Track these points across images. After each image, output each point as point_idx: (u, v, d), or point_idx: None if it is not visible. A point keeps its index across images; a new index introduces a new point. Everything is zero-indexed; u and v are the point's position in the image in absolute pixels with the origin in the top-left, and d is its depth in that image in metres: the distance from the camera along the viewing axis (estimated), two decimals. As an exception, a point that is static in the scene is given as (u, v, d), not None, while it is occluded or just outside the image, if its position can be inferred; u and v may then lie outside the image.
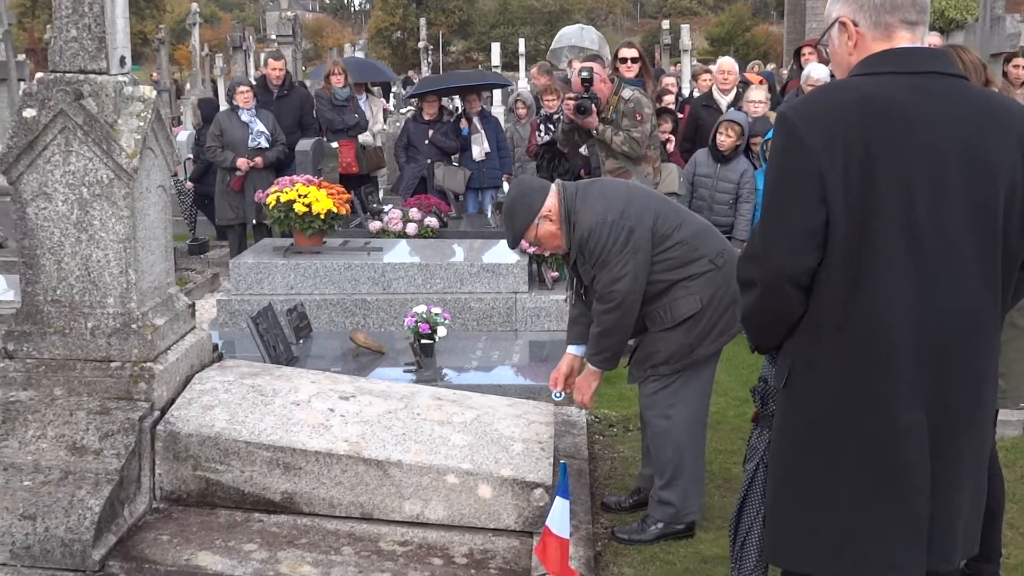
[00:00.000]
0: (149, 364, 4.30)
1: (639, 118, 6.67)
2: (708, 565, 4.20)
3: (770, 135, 7.81)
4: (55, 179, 4.22)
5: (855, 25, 2.60)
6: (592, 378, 4.45)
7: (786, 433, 2.67)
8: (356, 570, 3.91)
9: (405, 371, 6.26)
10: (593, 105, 6.59)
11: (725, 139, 8.03)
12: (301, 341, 6.75)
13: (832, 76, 9.42)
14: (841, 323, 2.51)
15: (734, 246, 7.84)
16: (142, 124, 4.27)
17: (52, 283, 4.29)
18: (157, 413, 4.30)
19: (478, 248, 8.21)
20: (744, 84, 10.51)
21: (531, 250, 7.52)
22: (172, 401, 4.42)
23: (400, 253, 7.95)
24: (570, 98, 6.70)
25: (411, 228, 8.92)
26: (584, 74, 6.61)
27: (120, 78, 4.32)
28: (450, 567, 3.99)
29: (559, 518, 3.54)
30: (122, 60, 4.36)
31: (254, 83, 10.46)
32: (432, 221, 9.09)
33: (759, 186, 7.98)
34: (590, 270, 4.29)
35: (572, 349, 4.62)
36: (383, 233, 8.90)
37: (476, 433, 4.45)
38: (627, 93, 6.74)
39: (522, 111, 11.49)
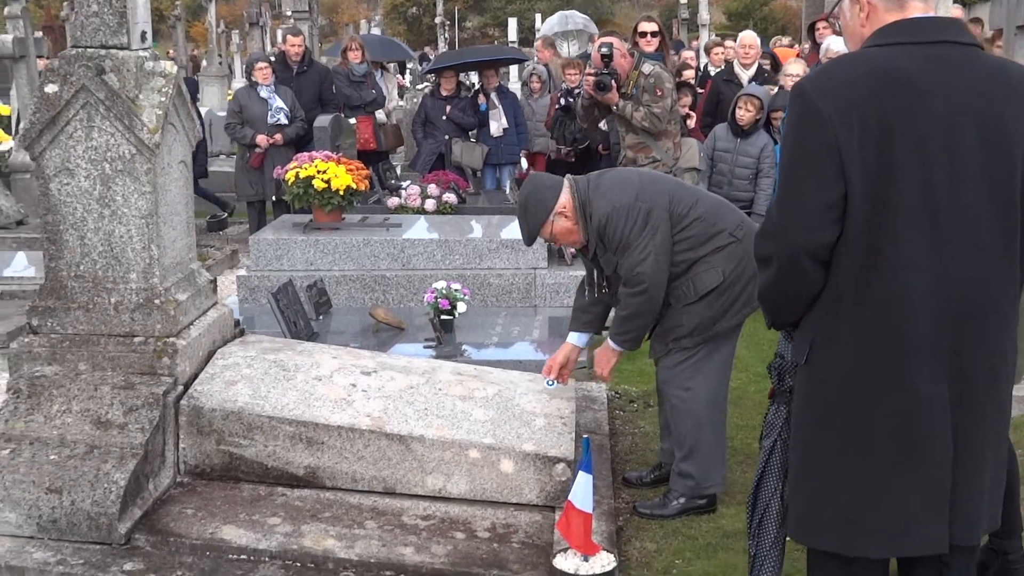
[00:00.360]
0: (172, 339, 4.32)
1: (659, 93, 6.63)
2: (730, 540, 4.20)
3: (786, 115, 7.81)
4: (77, 154, 4.23)
5: None
6: (612, 354, 4.45)
7: (807, 408, 2.67)
8: (380, 543, 3.93)
9: (425, 347, 6.26)
10: (613, 81, 6.56)
11: (745, 113, 7.98)
12: (321, 317, 6.76)
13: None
14: (860, 296, 2.50)
15: (754, 221, 7.86)
16: (163, 99, 4.27)
17: (75, 259, 4.31)
18: (180, 388, 4.32)
19: (497, 224, 8.19)
20: (771, 57, 10.42)
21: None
22: (195, 376, 4.44)
23: (419, 229, 7.95)
24: (590, 74, 6.67)
25: (429, 204, 8.91)
26: (604, 50, 6.58)
27: (141, 53, 4.32)
28: (473, 541, 4.00)
29: (582, 493, 3.55)
30: (143, 35, 4.36)
31: (272, 59, 10.43)
32: (450, 197, 9.07)
33: (778, 160, 7.95)
34: (612, 258, 4.27)
35: (573, 338, 4.61)
36: (401, 209, 8.89)
37: (498, 408, 4.45)
38: (647, 68, 6.70)
39: (536, 85, 11.45)
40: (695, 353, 4.35)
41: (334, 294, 7.19)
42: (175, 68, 4.40)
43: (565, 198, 4.29)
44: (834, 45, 8.06)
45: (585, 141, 10.17)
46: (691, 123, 8.07)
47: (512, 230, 7.84)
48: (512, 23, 22.58)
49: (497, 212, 8.97)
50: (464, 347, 6.35)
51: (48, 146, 4.23)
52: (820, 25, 9.06)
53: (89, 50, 4.23)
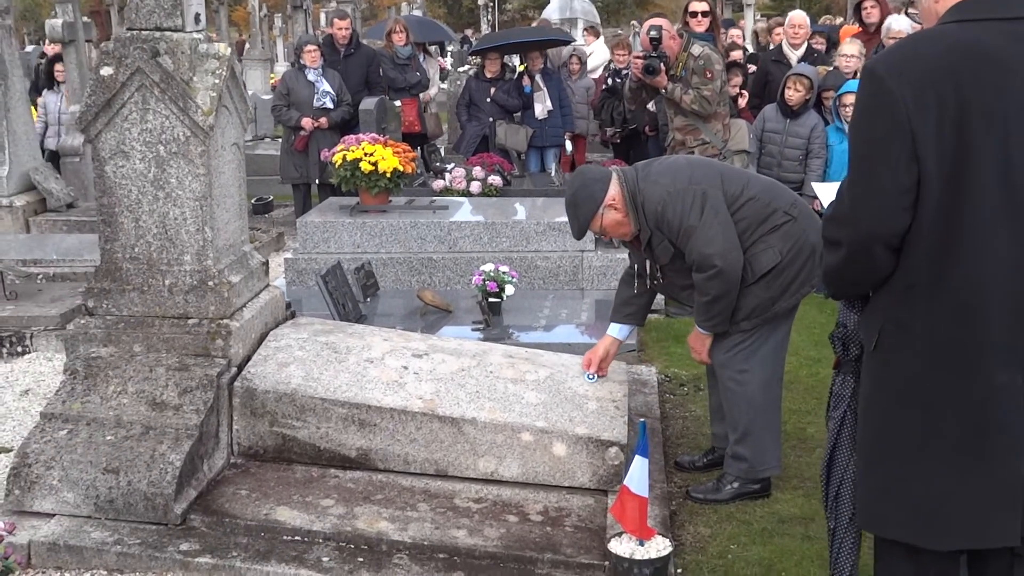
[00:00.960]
0: (226, 321, 4.33)
1: (709, 75, 6.56)
2: (785, 525, 4.16)
3: (843, 90, 7.69)
4: (132, 137, 4.25)
5: None
6: (705, 337, 4.37)
7: (876, 396, 2.61)
8: (432, 526, 3.93)
9: (473, 329, 6.25)
10: (662, 64, 6.49)
11: (794, 93, 7.86)
12: (368, 299, 6.78)
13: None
14: (934, 284, 2.44)
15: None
16: (217, 81, 4.27)
17: (130, 241, 4.33)
18: (234, 370, 4.34)
19: (542, 206, 8.16)
20: (827, 37, 10.25)
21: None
22: (248, 358, 4.46)
23: (465, 212, 7.92)
24: (638, 57, 6.60)
25: (475, 187, 8.88)
26: (652, 33, 6.51)
27: (195, 35, 4.33)
28: (525, 524, 3.99)
29: (638, 477, 3.52)
30: (197, 17, 4.37)
31: (321, 42, 10.43)
32: (496, 180, 9.04)
33: (830, 142, 7.84)
34: (669, 247, 4.21)
35: (614, 330, 4.56)
36: (447, 192, 8.87)
37: (550, 391, 4.43)
38: (697, 50, 6.63)
39: (575, 66, 11.39)
40: (751, 338, 4.30)
41: (381, 276, 7.20)
42: (229, 50, 4.40)
43: (614, 190, 4.24)
44: (895, 24, 7.92)
45: (633, 123, 10.12)
46: (742, 102, 7.94)
47: (558, 212, 7.81)
48: (555, 2, 22.40)
49: (542, 195, 8.92)
50: (512, 330, 6.34)
51: (104, 128, 4.25)
52: (867, 4, 8.89)
53: (144, 32, 4.24)
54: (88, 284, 4.41)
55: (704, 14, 7.66)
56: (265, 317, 4.68)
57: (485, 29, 27.91)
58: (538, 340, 5.95)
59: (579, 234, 4.39)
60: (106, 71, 4.24)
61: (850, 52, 8.22)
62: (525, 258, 7.30)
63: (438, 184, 8.98)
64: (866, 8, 8.95)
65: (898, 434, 2.55)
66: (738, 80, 8.41)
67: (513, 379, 4.50)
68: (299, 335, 4.67)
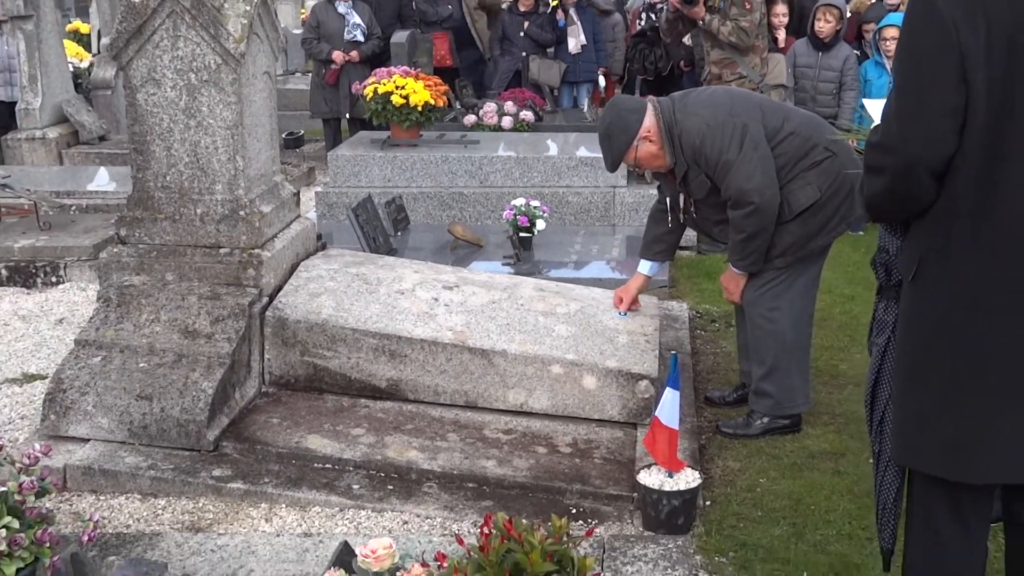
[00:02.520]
0: (257, 251, 4.33)
1: (748, 7, 6.44)
2: (815, 459, 4.15)
3: (884, 22, 7.53)
4: (163, 64, 4.23)
5: None
6: (739, 278, 4.31)
7: (913, 327, 2.56)
8: (462, 456, 3.95)
9: (504, 264, 6.24)
10: None
11: (824, 25, 7.69)
12: (399, 233, 6.77)
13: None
14: (978, 210, 2.37)
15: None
16: (248, 8, 4.23)
17: (162, 169, 4.33)
18: (266, 299, 4.35)
19: (574, 142, 8.09)
20: None
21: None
22: (279, 288, 4.46)
23: (497, 146, 7.87)
24: (675, -13, 6.49)
25: (506, 122, 8.82)
26: (693, -40, 6.39)
27: (226, -39, 4.27)
28: (554, 455, 4.00)
29: (669, 409, 3.51)
30: (227, -57, 4.31)
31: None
32: (528, 115, 8.96)
33: (868, 76, 7.69)
34: (706, 181, 4.14)
35: (644, 267, 4.52)
36: (478, 127, 8.81)
37: (580, 324, 4.42)
38: (735, -21, 6.51)
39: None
40: (782, 276, 4.24)
41: (411, 211, 7.18)
42: (260, -24, 4.35)
43: (649, 121, 4.17)
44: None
45: (666, 69, 9.95)
46: (781, 36, 7.71)
47: (590, 148, 7.75)
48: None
49: (575, 130, 8.85)
50: (542, 265, 6.32)
51: (135, 56, 4.23)
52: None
53: (174, -42, 4.19)
54: (120, 213, 4.42)
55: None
56: (296, 248, 4.68)
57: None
58: (569, 275, 5.93)
59: (612, 167, 4.33)
60: (137, -2, 4.20)
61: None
62: (556, 193, 7.26)
63: (469, 119, 8.92)
64: None
65: (934, 367, 2.50)
66: (783, 9, 8.07)
67: (544, 312, 4.49)
68: (330, 266, 4.67)
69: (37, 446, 3.11)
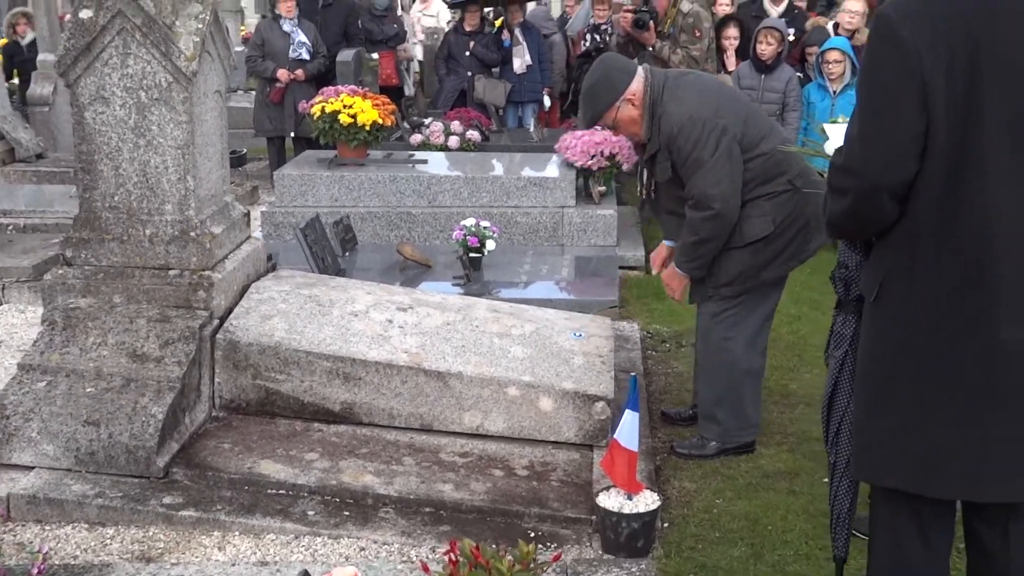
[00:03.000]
0: (208, 272, 4.26)
1: (698, 34, 6.50)
2: (770, 479, 4.17)
3: (826, 46, 7.65)
4: (113, 82, 4.14)
5: None
6: (682, 278, 4.31)
7: (877, 347, 2.59)
8: (418, 480, 3.90)
9: (453, 284, 6.21)
10: (651, 20, 6.41)
11: (766, 47, 7.78)
12: (347, 254, 6.71)
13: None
14: (940, 232, 2.41)
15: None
16: (201, 26, 4.17)
17: (110, 189, 4.24)
18: (216, 322, 4.27)
19: (521, 162, 8.10)
20: None
21: (579, 163, 7.40)
22: (230, 310, 4.39)
23: (445, 166, 7.85)
24: (627, 10, 6.52)
25: (453, 141, 8.80)
26: (646, -15, 6.43)
27: (176, -22, 4.21)
28: (512, 478, 3.97)
29: (628, 431, 3.51)
30: (178, -40, 4.25)
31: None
32: (474, 135, 8.96)
33: (812, 99, 7.79)
34: (668, 169, 4.11)
35: (667, 242, 4.53)
36: (424, 146, 8.79)
37: (536, 346, 4.40)
38: (686, 6, 6.56)
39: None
40: (736, 304, 4.24)
41: (359, 231, 7.12)
42: (211, -6, 4.29)
43: (637, 86, 4.10)
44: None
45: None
46: (730, 64, 7.76)
47: (538, 167, 7.76)
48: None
49: (521, 150, 8.86)
50: (492, 285, 6.30)
51: (83, 73, 4.14)
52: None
53: (124, -26, 4.12)
54: (66, 234, 4.32)
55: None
56: (247, 269, 4.61)
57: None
58: (519, 296, 5.92)
59: (590, 123, 4.27)
60: (85, 13, 4.12)
61: (853, 9, 8.09)
62: (505, 213, 7.25)
63: (416, 138, 8.89)
64: None
65: (900, 385, 2.52)
66: (734, 32, 8.13)
67: (499, 333, 4.46)
68: (281, 287, 4.61)
69: (-18, 475, 3.01)
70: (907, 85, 2.33)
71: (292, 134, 9.59)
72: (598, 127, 4.28)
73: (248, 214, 4.80)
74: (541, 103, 10.91)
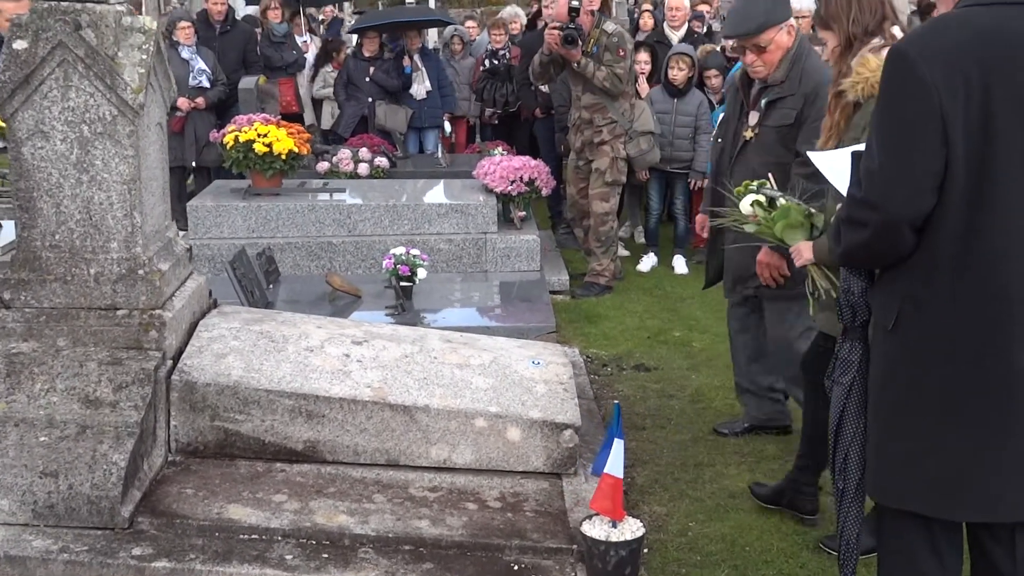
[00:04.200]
0: (158, 311, 4.09)
1: (622, 53, 6.57)
2: (736, 500, 4.22)
3: (735, 70, 7.82)
4: (53, 116, 3.96)
5: None
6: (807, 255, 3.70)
7: (894, 373, 2.65)
8: (394, 517, 3.82)
9: (387, 314, 6.13)
10: (579, 36, 6.45)
11: (678, 73, 7.96)
12: (271, 286, 6.55)
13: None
14: (957, 264, 2.48)
15: (695, 179, 7.87)
16: (145, 57, 4.03)
17: (51, 228, 4.04)
18: (170, 362, 4.11)
19: (439, 188, 8.06)
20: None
21: (499, 189, 7.38)
22: (181, 350, 4.23)
23: (363, 194, 7.74)
24: (555, 27, 6.53)
25: (363, 168, 8.71)
26: (574, 3, 6.46)
27: (119, 7, 4.06)
28: (486, 511, 3.92)
29: (616, 459, 3.51)
30: (119, -12, 4.10)
31: (195, 18, 10.00)
32: (382, 161, 8.88)
33: (716, 121, 7.96)
34: (788, 116, 4.07)
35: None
36: (332, 174, 8.67)
37: (497, 376, 4.36)
38: (610, 27, 6.63)
39: (458, 47, 11.29)
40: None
41: (279, 262, 6.97)
42: (155, 24, 4.16)
43: (793, 24, 4.11)
44: (797, 3, 8.03)
45: (515, 104, 10.09)
46: (642, 90, 7.87)
47: (455, 194, 7.72)
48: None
49: (430, 176, 8.82)
50: (425, 314, 6.24)
51: (20, 107, 3.94)
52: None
53: (64, 3, 3.94)
54: (4, 275, 4.10)
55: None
56: (193, 306, 4.45)
57: (348, 8, 27.30)
58: (458, 324, 5.85)
59: (757, 30, 4.09)
60: (20, 44, 3.93)
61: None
62: (427, 241, 7.19)
63: (323, 166, 8.77)
64: None
65: (916, 411, 2.59)
66: (645, 57, 8.28)
67: (458, 364, 4.41)
68: (230, 324, 4.46)
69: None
70: (928, 120, 2.40)
71: (193, 163, 9.33)
72: (740, 43, 4.12)
73: (190, 249, 4.64)
74: (442, 128, 10.89)
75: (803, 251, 3.48)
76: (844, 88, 3.34)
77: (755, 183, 3.69)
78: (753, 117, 4.24)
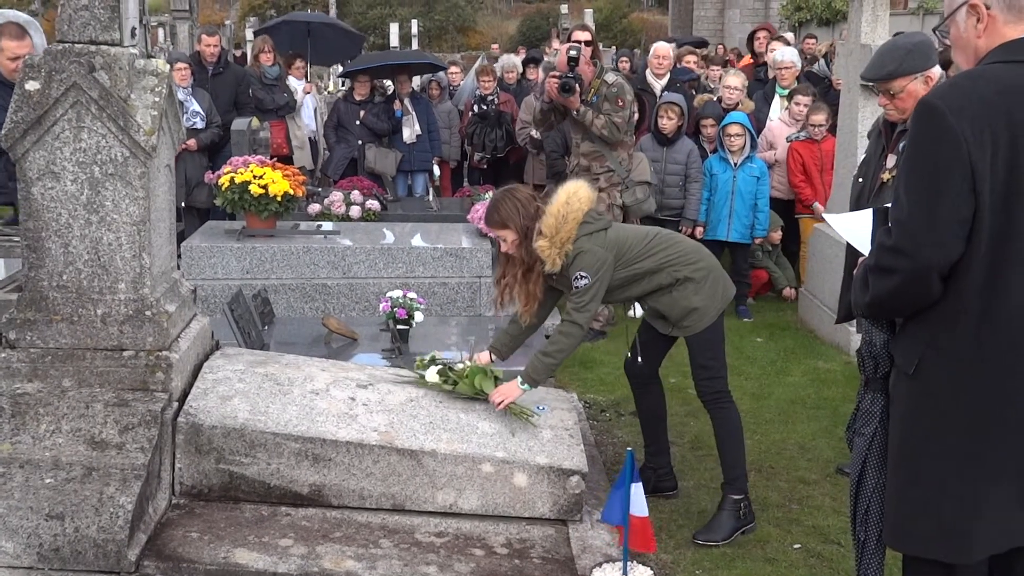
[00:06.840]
0: (165, 352, 4.08)
1: (621, 104, 6.63)
2: (742, 548, 4.22)
3: (728, 120, 7.92)
4: (64, 157, 3.96)
5: (987, 8, 2.59)
6: None
7: (915, 421, 2.68)
8: (401, 563, 3.80)
9: (383, 357, 6.09)
10: (577, 85, 6.52)
11: (667, 122, 8.03)
12: (266, 327, 6.52)
13: (822, 62, 9.49)
14: (981, 313, 2.52)
15: (684, 226, 7.91)
16: (158, 100, 4.03)
17: (58, 268, 4.03)
18: (176, 404, 4.09)
19: (433, 232, 8.07)
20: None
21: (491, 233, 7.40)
22: (186, 392, 4.21)
23: (357, 237, 7.74)
24: (555, 76, 6.60)
25: (355, 211, 8.71)
26: (572, 53, 6.53)
27: (132, 50, 4.08)
28: (493, 557, 3.91)
29: (639, 501, 3.56)
30: (133, 31, 4.12)
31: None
32: (374, 204, 8.90)
33: (714, 171, 8.03)
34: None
35: None
36: (323, 216, 8.67)
37: (502, 420, 4.36)
38: (611, 77, 6.70)
39: (435, 92, 11.37)
40: None
41: (273, 303, 6.94)
42: (168, 67, 4.17)
43: (937, 72, 4.12)
44: (780, 55, 8.18)
45: (505, 149, 10.16)
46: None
47: (450, 238, 7.74)
48: (394, 28, 22.38)
49: (421, 219, 8.84)
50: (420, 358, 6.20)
51: (32, 147, 3.95)
52: (761, 34, 9.22)
53: (78, 46, 3.96)
54: (9, 314, 4.08)
55: (587, 43, 7.74)
56: (197, 348, 4.44)
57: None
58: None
59: (887, 76, 4.14)
60: (32, 86, 3.94)
61: (733, 84, 8.45)
62: (422, 284, 7.18)
63: (314, 208, 8.76)
64: (759, 38, 9.25)
65: (936, 459, 2.62)
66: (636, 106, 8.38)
67: (464, 408, 4.41)
68: (235, 366, 4.45)
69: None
70: (958, 170, 2.45)
71: (183, 204, 9.30)
72: (875, 86, 4.17)
73: (195, 290, 4.63)
74: (431, 172, 10.93)
75: (506, 392, 4.32)
76: None
77: (428, 356, 4.59)
78: (891, 160, 4.31)
